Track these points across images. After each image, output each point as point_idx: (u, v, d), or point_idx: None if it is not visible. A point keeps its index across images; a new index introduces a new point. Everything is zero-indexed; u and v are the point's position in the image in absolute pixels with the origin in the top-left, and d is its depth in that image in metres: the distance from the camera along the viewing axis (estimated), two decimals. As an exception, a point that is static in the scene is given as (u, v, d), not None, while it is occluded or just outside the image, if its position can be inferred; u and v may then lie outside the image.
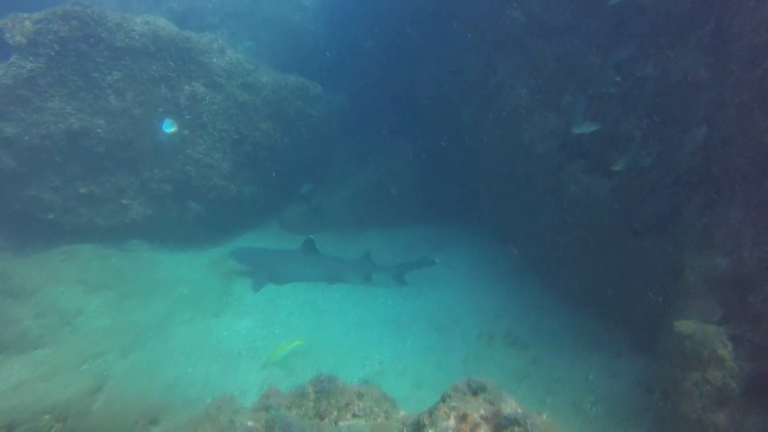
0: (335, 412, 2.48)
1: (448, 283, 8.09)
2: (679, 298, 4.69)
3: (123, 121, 8.48)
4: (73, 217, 8.51)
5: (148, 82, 8.62)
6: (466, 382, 2.59)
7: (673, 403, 4.26)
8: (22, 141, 7.88)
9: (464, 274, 8.38)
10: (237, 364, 5.80)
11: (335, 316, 7.10)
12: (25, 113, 7.91)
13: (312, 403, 2.56)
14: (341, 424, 2.38)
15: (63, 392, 5.25)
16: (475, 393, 2.52)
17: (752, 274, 4.21)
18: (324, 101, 10.90)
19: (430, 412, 2.40)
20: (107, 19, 8.22)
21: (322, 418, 2.47)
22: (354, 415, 2.56)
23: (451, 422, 2.11)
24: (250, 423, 1.99)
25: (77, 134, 8.17)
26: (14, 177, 7.99)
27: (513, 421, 2.08)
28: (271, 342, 6.37)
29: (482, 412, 2.16)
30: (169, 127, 8.71)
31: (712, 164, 4.80)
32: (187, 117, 8.94)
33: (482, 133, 8.36)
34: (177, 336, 6.56)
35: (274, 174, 10.42)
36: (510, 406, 2.41)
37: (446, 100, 9.80)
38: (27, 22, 8.02)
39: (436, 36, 9.88)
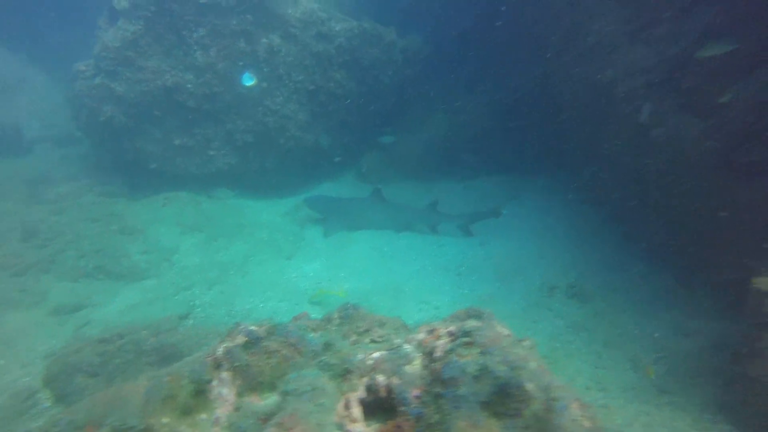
0: (354, 336, 2.60)
1: (516, 234, 7.78)
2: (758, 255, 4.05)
3: (208, 75, 9.08)
4: (171, 166, 9.51)
5: (229, 36, 9.05)
6: (466, 310, 2.57)
7: (745, 364, 3.81)
8: (128, 98, 8.86)
9: (535, 225, 7.97)
10: (302, 301, 6.24)
11: (399, 262, 7.25)
12: (130, 72, 8.82)
13: (335, 327, 2.71)
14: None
15: (160, 314, 6.14)
16: (472, 317, 2.49)
17: None
18: (399, 47, 10.63)
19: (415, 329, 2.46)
20: (191, -23, 8.67)
21: (345, 340, 2.60)
22: (372, 341, 2.66)
23: (421, 335, 2.14)
24: (253, 327, 2.19)
25: (171, 90, 8.95)
26: (125, 131, 9.08)
27: (466, 333, 2.04)
28: (336, 284, 6.73)
29: (450, 328, 2.14)
30: (249, 80, 9.16)
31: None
32: (265, 69, 9.31)
33: (564, 72, 7.63)
34: (254, 274, 7.20)
35: (350, 123, 10.58)
36: (494, 327, 2.35)
37: (530, 38, 9.02)
38: (128, -13, 8.77)
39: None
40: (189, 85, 9.02)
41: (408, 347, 2.00)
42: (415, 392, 1.78)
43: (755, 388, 3.75)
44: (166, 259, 7.73)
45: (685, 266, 6.04)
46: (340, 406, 1.70)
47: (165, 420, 1.76)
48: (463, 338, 2.02)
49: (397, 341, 2.13)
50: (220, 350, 2.05)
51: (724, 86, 5.00)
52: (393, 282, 6.61)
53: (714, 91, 5.08)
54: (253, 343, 2.10)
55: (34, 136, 11.82)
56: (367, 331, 2.68)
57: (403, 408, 1.70)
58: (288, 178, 10.34)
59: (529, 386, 1.81)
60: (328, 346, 2.22)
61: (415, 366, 1.92)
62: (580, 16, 6.78)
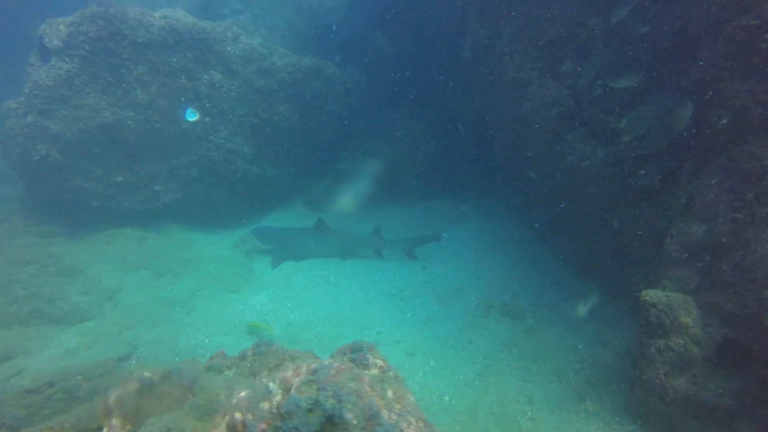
0: (266, 372, 2.80)
1: (456, 256, 8.20)
2: (659, 266, 4.60)
3: (150, 112, 9.11)
4: (114, 203, 9.37)
5: (169, 73, 9.16)
6: (350, 344, 2.85)
7: (640, 369, 4.29)
8: (65, 136, 8.72)
9: (474, 247, 8.44)
10: (246, 335, 6.32)
11: (344, 289, 7.46)
12: (66, 110, 8.72)
13: (249, 364, 2.90)
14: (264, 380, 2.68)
15: (100, 357, 6.03)
16: (353, 351, 2.77)
17: (724, 241, 4.08)
18: (339, 79, 11.05)
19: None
20: (128, 17, 8.77)
21: (254, 377, 2.80)
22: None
23: (289, 372, 2.39)
24: (146, 373, 2.35)
25: (111, 127, 8.90)
26: (61, 169, 8.90)
27: (314, 371, 2.33)
28: (282, 315, 6.85)
29: (313, 365, 2.41)
30: (192, 116, 9.27)
31: (702, 130, 4.57)
32: (207, 105, 9.45)
33: (489, 104, 8.24)
34: (200, 309, 7.19)
35: (296, 154, 10.82)
36: (367, 360, 2.67)
37: (457, 72, 9.66)
38: (61, 26, 8.73)
39: (443, 6, 9.68)
40: (130, 122, 9.00)
41: (272, 385, 2.23)
42: (262, 426, 2.01)
43: (648, 389, 4.22)
44: (108, 298, 7.58)
45: (610, 280, 6.60)
46: None
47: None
48: (309, 376, 2.29)
49: (265, 380, 2.35)
50: (112, 398, 2.20)
51: (619, 116, 5.63)
52: (337, 310, 6.81)
53: (611, 121, 5.72)
54: (146, 388, 2.26)
55: (-37, 176, 11.28)
56: (278, 366, 2.88)
57: None
58: (236, 210, 10.39)
59: (349, 416, 2.10)
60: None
61: (273, 402, 2.15)
62: (497, 54, 7.41)
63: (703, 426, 3.95)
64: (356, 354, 2.77)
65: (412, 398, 2.55)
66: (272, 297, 7.39)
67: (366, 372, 2.63)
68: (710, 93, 4.39)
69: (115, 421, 1.99)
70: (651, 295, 4.28)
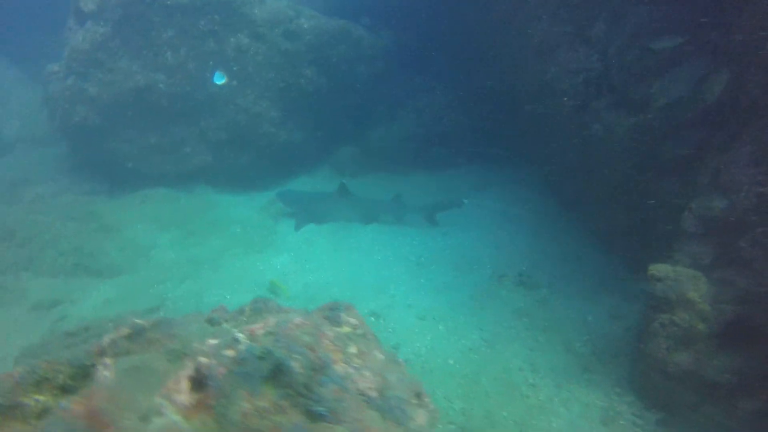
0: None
1: (478, 225, 8.14)
2: (676, 241, 4.45)
3: (180, 75, 9.32)
4: (148, 165, 9.79)
5: (198, 36, 9.28)
6: (329, 303, 3.00)
7: (643, 343, 4.24)
8: (101, 99, 9.09)
9: (497, 216, 8.34)
10: (265, 294, 6.61)
11: (363, 253, 7.61)
12: (102, 74, 9.05)
13: (245, 318, 3.09)
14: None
15: (133, 308, 6.50)
16: (330, 309, 2.90)
17: (745, 216, 3.90)
18: (367, 43, 10.86)
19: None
20: (157, -21, 8.85)
21: None
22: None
23: (257, 325, 2.55)
24: (138, 320, 2.56)
25: (143, 90, 9.19)
26: (99, 131, 9.34)
27: (276, 324, 2.47)
28: (301, 276, 7.10)
29: (276, 319, 2.55)
30: (220, 79, 9.40)
31: (736, 100, 4.27)
32: (234, 68, 9.54)
33: (517, 70, 7.94)
34: (225, 268, 7.54)
35: (321, 119, 10.85)
36: (339, 318, 2.79)
37: (487, 36, 9.29)
38: (95, -11, 8.94)
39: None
40: (161, 85, 9.26)
41: (240, 336, 2.38)
42: (222, 370, 2.17)
43: (650, 363, 4.18)
44: (142, 255, 8.05)
45: (632, 254, 6.42)
46: (171, 381, 2.09)
47: (41, 398, 2.11)
48: (270, 328, 2.42)
49: (236, 331, 2.50)
50: (106, 340, 2.42)
51: (650, 82, 5.32)
52: (354, 273, 6.98)
53: (642, 87, 5.41)
54: (137, 334, 2.47)
55: (14, 136, 12.03)
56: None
57: (209, 382, 2.10)
58: (264, 173, 10.63)
59: (294, 365, 2.28)
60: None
61: (237, 350, 2.29)
62: (526, 17, 7.06)
63: (702, 400, 3.91)
64: (332, 312, 2.90)
65: (380, 356, 2.67)
66: (293, 258, 7.64)
67: (337, 329, 2.76)
68: (747, 59, 4.07)
69: (107, 360, 2.21)
70: (659, 269, 4.18)
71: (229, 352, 2.25)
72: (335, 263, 7.38)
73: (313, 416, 2.13)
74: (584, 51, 6.37)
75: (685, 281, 4.00)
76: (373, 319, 5.91)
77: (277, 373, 2.21)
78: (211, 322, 2.97)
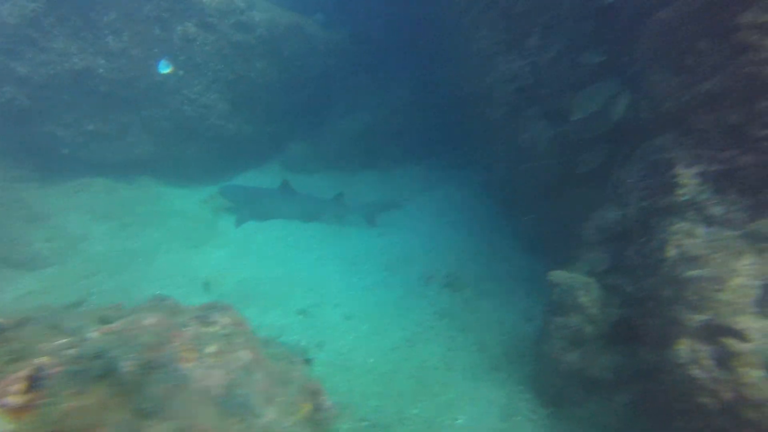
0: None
1: (415, 226, 8.30)
2: (579, 249, 4.74)
3: (123, 61, 9.00)
4: (86, 152, 9.42)
5: (143, 22, 8.99)
6: (208, 303, 3.05)
7: (541, 344, 4.51)
8: (33, 80, 8.67)
9: (435, 218, 8.52)
10: (197, 289, 6.54)
11: (300, 251, 7.63)
12: (33, 53, 8.61)
13: (134, 317, 3.08)
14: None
15: (55, 302, 6.27)
16: (206, 309, 2.96)
17: (632, 227, 4.22)
18: (321, 38, 10.83)
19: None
20: (99, -41, 8.51)
21: None
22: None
23: (113, 324, 2.59)
24: (1, 320, 2.54)
25: (81, 73, 8.83)
26: (30, 113, 8.90)
27: (125, 324, 2.51)
28: (237, 272, 7.06)
29: (128, 319, 2.60)
30: (165, 68, 9.15)
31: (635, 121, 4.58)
32: (181, 58, 9.31)
33: (464, 74, 8.14)
34: (159, 262, 7.40)
35: (272, 114, 10.75)
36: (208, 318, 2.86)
37: (440, 39, 9.46)
38: (27, -38, 8.48)
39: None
40: (101, 70, 8.92)
41: (91, 334, 2.42)
42: (57, 369, 2.20)
43: (546, 362, 4.46)
44: (71, 246, 7.78)
45: (555, 259, 6.72)
46: (2, 382, 2.10)
47: None
48: (116, 327, 2.46)
49: (90, 329, 2.52)
50: None
51: (570, 97, 5.58)
52: (289, 271, 7.00)
53: (563, 101, 5.67)
54: None
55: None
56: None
57: (42, 382, 2.12)
58: (211, 167, 10.43)
59: (124, 365, 2.33)
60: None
61: (77, 349, 2.32)
62: (470, 23, 7.24)
63: (588, 396, 4.20)
64: (205, 312, 2.95)
65: (245, 355, 2.73)
66: (231, 254, 7.58)
67: (204, 329, 2.80)
68: (641, 81, 4.38)
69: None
70: (556, 275, 4.46)
71: (70, 352, 2.25)
72: (272, 261, 7.37)
73: (141, 414, 2.18)
74: (519, 61, 6.59)
75: (577, 287, 4.28)
76: (300, 317, 5.96)
77: (108, 372, 2.23)
78: (103, 319, 2.94)
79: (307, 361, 4.62)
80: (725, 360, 3.15)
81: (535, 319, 5.56)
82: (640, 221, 4.21)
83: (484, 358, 5.16)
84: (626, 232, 4.33)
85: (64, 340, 2.35)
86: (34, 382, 2.09)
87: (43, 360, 2.17)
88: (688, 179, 3.90)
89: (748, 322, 3.18)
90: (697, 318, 3.34)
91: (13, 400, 2.00)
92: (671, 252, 3.71)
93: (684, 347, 3.31)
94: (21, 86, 8.60)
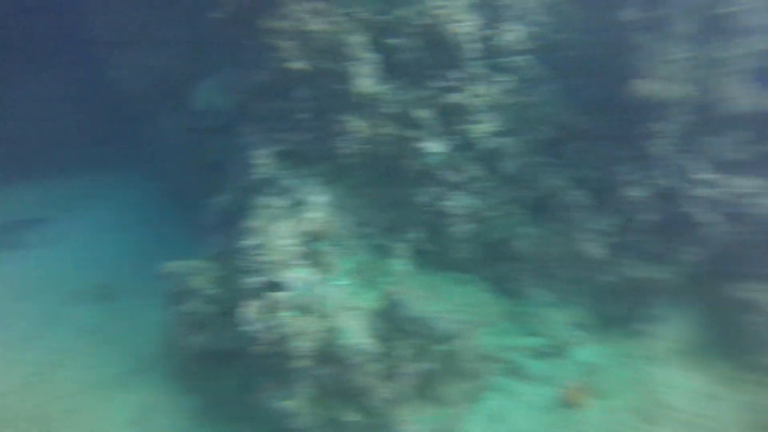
0: None
1: (69, 239, 7.38)
2: (204, 234, 5.00)
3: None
4: None
5: None
6: None
7: (168, 334, 4.65)
8: None
9: (96, 228, 7.69)
10: None
11: None
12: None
13: None
14: None
15: None
16: None
17: (236, 208, 4.72)
18: None
19: None
20: None
21: None
22: None
23: None
24: None
25: None
26: None
27: None
28: None
29: None
30: None
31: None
32: None
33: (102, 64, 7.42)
34: None
35: None
36: None
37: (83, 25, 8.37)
38: None
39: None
40: None
41: None
42: None
43: (175, 349, 4.62)
44: None
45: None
46: None
47: None
48: None
49: None
50: None
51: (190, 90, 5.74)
52: None
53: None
54: None
55: None
56: None
57: None
58: None
59: None
60: None
61: None
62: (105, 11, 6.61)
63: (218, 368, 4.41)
64: None
65: None
66: None
67: None
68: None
69: None
70: (171, 266, 4.66)
71: None
72: None
73: None
74: (153, 53, 6.40)
75: (188, 273, 4.52)
76: None
77: None
78: None
79: None
80: (271, 309, 3.80)
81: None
82: (238, 202, 4.65)
83: (128, 366, 5.04)
84: (231, 215, 4.72)
85: None
86: None
87: None
88: (263, 160, 4.50)
89: (289, 276, 3.91)
90: (253, 281, 3.92)
91: None
92: (249, 225, 4.22)
93: (249, 309, 3.84)
94: None
